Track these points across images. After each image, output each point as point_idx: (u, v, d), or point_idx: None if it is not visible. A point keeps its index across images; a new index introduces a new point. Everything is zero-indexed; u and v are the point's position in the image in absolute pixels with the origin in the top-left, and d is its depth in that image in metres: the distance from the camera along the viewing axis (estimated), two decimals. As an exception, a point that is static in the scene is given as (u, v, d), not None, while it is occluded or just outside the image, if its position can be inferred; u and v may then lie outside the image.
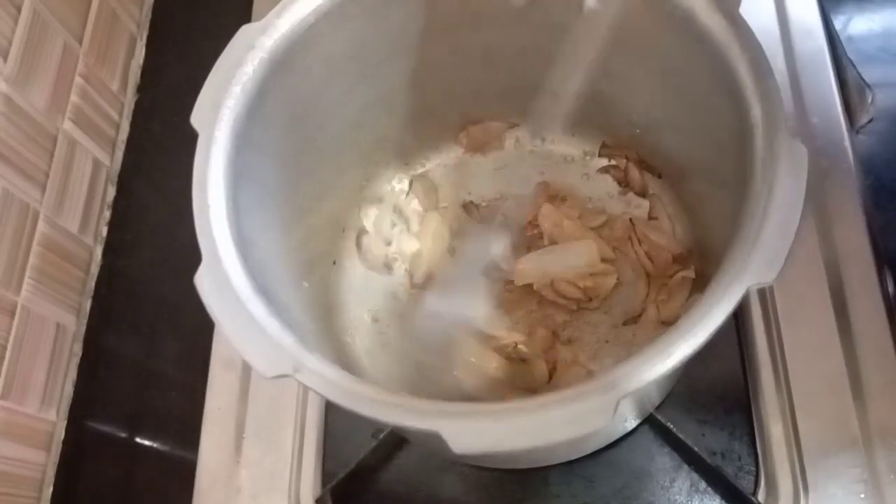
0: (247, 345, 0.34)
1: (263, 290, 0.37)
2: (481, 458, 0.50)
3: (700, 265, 0.51)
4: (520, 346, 0.51)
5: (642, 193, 0.55)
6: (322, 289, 0.54)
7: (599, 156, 0.57)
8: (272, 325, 0.35)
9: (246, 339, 0.35)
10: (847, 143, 0.56)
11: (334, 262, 0.55)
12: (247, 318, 0.35)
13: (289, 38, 0.41)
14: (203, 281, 0.36)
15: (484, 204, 0.57)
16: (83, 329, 0.62)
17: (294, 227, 0.48)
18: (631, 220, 0.54)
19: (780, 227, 0.33)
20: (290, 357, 0.34)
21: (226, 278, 0.36)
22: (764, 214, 0.33)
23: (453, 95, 0.54)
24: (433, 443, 0.32)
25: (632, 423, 0.50)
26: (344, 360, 0.52)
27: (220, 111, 0.39)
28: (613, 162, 0.56)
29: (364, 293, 0.56)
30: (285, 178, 0.46)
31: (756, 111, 0.36)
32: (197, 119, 0.39)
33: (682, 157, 0.49)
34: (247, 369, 0.56)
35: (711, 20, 0.38)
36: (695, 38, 0.38)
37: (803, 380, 0.50)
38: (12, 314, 0.55)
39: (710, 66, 0.38)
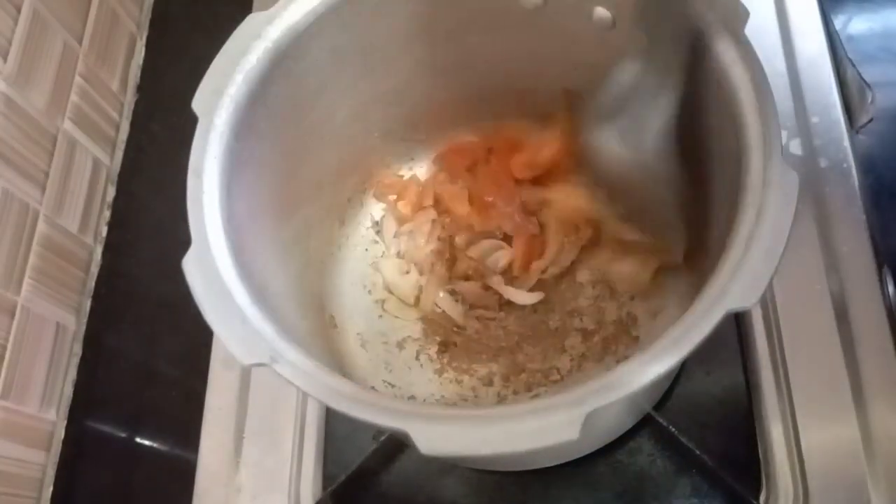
0: (227, 331, 0.34)
1: (252, 278, 0.37)
2: (465, 461, 0.50)
3: (691, 282, 0.51)
4: None
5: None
6: (317, 277, 0.54)
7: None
8: (254, 313, 0.35)
9: (226, 325, 0.35)
10: (847, 143, 0.56)
11: (331, 255, 0.55)
12: (229, 304, 0.35)
13: (295, 30, 0.41)
14: (190, 265, 0.36)
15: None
16: (83, 329, 0.62)
17: (290, 217, 0.48)
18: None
19: (766, 252, 0.32)
20: (268, 347, 0.34)
21: (212, 264, 0.36)
22: (751, 238, 0.33)
23: (460, 94, 0.54)
24: (405, 440, 0.32)
25: (629, 423, 0.50)
26: (334, 354, 0.52)
27: (221, 98, 0.39)
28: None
29: (360, 283, 0.56)
30: (284, 167, 0.46)
31: (753, 133, 0.35)
32: (198, 105, 0.39)
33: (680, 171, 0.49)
34: (247, 369, 0.56)
35: (716, 38, 0.37)
36: (699, 55, 0.38)
37: (803, 381, 0.50)
38: (12, 314, 0.55)
39: (712, 85, 0.38)
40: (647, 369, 0.31)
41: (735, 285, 0.32)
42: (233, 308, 0.35)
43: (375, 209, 0.57)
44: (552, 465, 0.50)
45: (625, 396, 0.31)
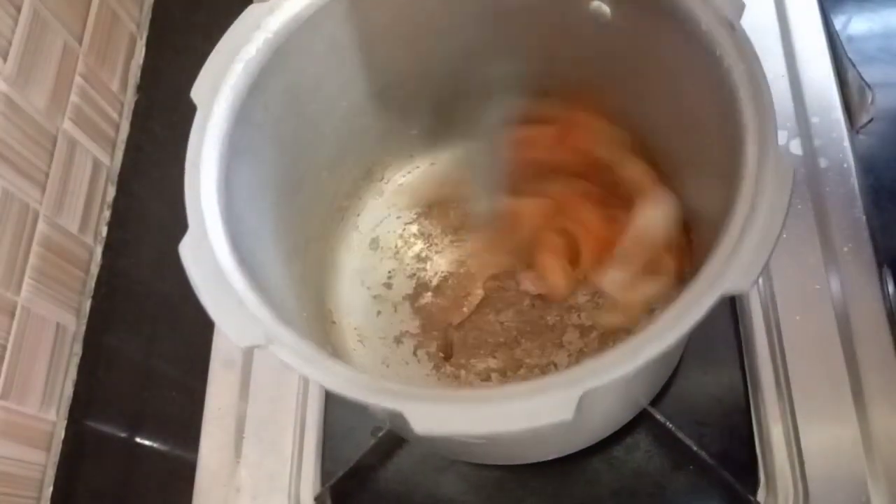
0: (223, 314, 0.34)
1: (249, 265, 0.37)
2: (461, 450, 0.50)
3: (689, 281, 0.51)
4: None
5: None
6: (315, 271, 0.54)
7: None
8: (251, 297, 0.35)
9: (223, 308, 0.35)
10: (847, 143, 0.56)
11: (331, 249, 0.55)
12: (226, 288, 0.35)
13: (295, 21, 0.41)
14: (187, 250, 0.36)
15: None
16: (83, 329, 0.62)
17: (289, 207, 0.48)
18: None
19: (761, 237, 0.32)
20: (264, 329, 0.34)
21: (209, 249, 0.36)
22: (747, 223, 0.33)
23: (464, 90, 0.54)
24: (399, 422, 0.32)
25: (626, 417, 0.50)
26: (332, 349, 0.52)
27: (220, 88, 0.40)
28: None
29: (358, 278, 0.56)
30: (283, 158, 0.46)
31: (748, 121, 0.35)
32: (197, 94, 0.39)
33: (679, 159, 0.49)
34: (247, 369, 0.56)
35: (712, 28, 0.37)
36: (695, 44, 0.38)
37: (803, 380, 0.50)
38: (12, 314, 0.55)
39: (708, 74, 0.38)
40: (642, 351, 0.31)
41: (730, 269, 0.32)
42: (229, 291, 0.35)
43: (375, 205, 0.57)
44: (549, 459, 0.50)
45: (620, 377, 0.31)
